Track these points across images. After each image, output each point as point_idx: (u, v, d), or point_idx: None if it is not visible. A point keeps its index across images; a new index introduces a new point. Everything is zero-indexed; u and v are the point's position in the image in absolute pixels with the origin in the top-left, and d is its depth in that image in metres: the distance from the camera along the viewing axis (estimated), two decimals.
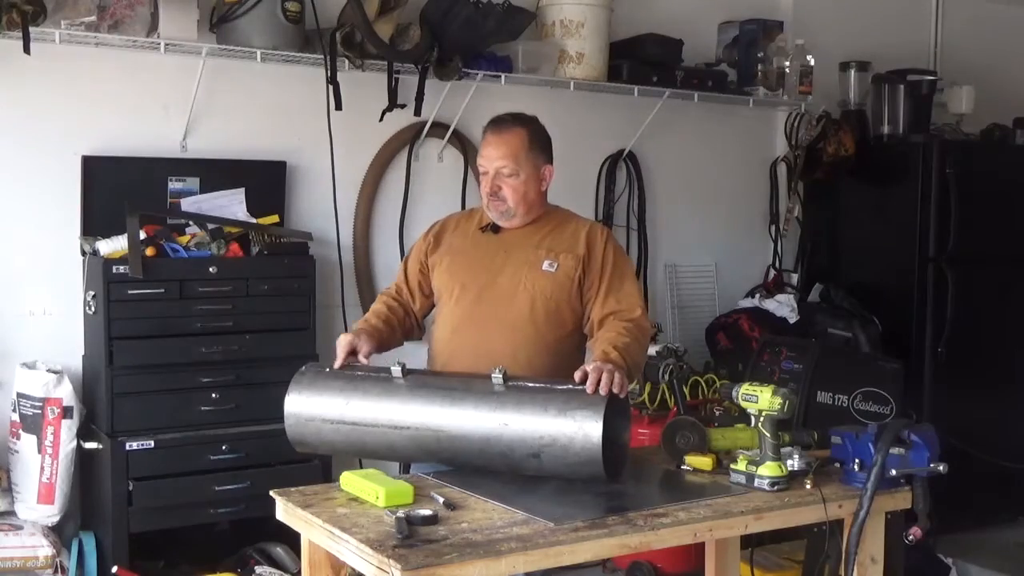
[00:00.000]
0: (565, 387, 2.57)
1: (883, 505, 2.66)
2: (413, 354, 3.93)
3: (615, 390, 2.53)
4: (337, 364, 2.82)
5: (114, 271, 3.63)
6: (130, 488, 3.60)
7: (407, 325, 3.11)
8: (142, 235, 3.69)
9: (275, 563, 3.83)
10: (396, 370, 2.69)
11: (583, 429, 2.46)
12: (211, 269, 3.79)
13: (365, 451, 2.89)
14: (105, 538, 3.68)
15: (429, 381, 2.71)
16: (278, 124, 4.25)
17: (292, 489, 2.57)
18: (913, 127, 5.24)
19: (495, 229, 3.02)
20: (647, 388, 4.32)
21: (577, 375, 2.59)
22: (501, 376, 2.58)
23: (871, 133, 5.29)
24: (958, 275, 4.99)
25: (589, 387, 2.53)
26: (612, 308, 2.91)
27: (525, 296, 2.91)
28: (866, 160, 5.20)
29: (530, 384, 2.61)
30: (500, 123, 3.01)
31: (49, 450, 3.64)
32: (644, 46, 4.76)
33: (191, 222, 3.94)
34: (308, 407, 2.74)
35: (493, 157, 2.95)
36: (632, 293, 2.97)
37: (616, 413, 2.58)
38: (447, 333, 2.99)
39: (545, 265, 2.93)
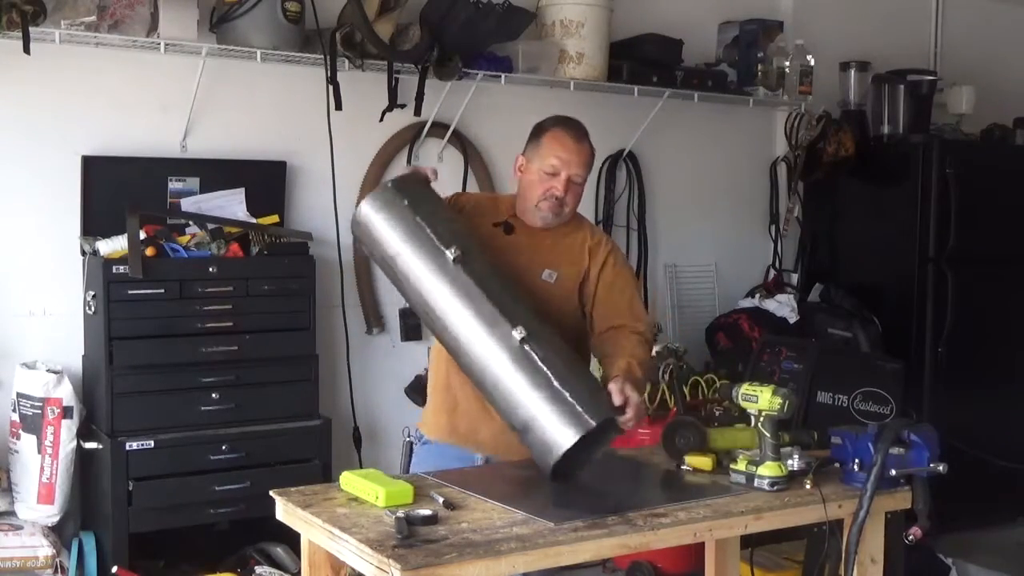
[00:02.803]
0: (564, 390, 2.52)
1: (883, 505, 2.66)
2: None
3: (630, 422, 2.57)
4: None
5: (114, 271, 3.63)
6: (130, 488, 3.60)
7: None
8: (142, 235, 3.69)
9: (275, 563, 3.83)
10: (452, 252, 2.62)
11: (553, 440, 2.49)
12: (211, 269, 3.79)
13: (402, 293, 2.80)
14: (105, 538, 3.68)
15: (468, 284, 2.62)
16: (278, 124, 4.25)
17: (292, 489, 2.56)
18: (913, 127, 5.24)
19: (508, 229, 2.93)
20: (647, 388, 4.32)
21: (616, 399, 2.56)
22: (520, 337, 2.53)
23: (871, 133, 5.29)
24: (958, 275, 4.99)
25: (628, 419, 2.57)
26: (623, 320, 2.88)
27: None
28: (866, 160, 5.20)
29: (540, 364, 2.54)
30: (576, 128, 2.93)
31: (49, 450, 3.65)
32: (644, 46, 4.76)
33: (191, 222, 3.94)
34: (371, 229, 2.70)
35: (574, 163, 2.88)
36: (639, 306, 2.96)
37: (603, 438, 2.61)
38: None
39: (544, 275, 2.88)
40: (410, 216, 2.68)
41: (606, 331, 2.86)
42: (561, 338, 2.67)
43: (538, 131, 2.94)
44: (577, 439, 2.47)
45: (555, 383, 2.52)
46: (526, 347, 2.54)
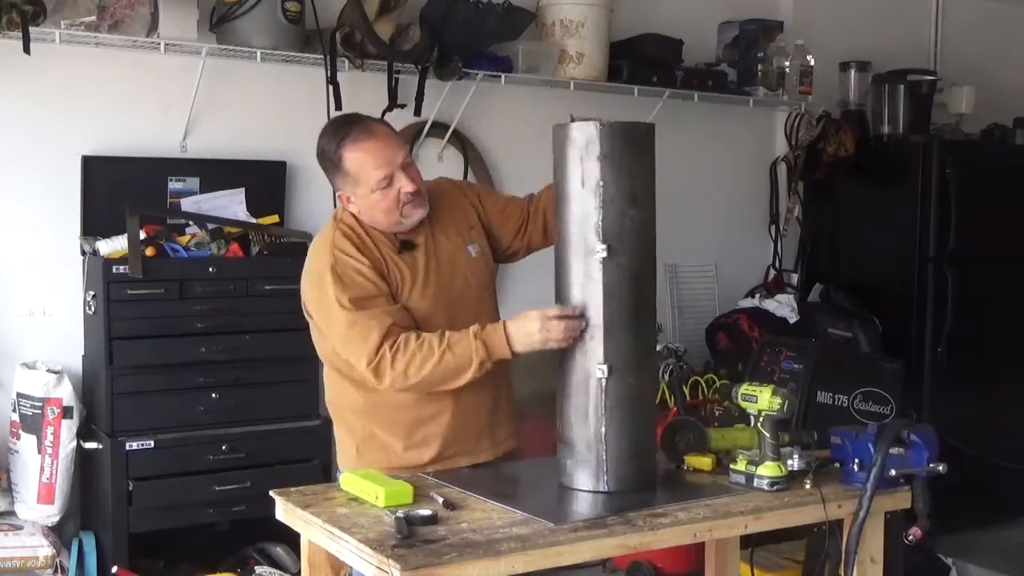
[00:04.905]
0: (605, 443, 2.50)
1: (883, 505, 2.66)
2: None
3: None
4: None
5: (114, 271, 3.63)
6: (130, 488, 3.61)
7: None
8: (142, 235, 3.69)
9: (275, 563, 3.83)
10: (602, 250, 2.42)
11: (569, 473, 2.55)
12: (211, 269, 3.80)
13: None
14: (105, 538, 3.69)
15: (597, 285, 2.45)
16: (278, 124, 4.25)
17: (292, 489, 2.56)
18: (913, 127, 5.24)
19: (408, 246, 2.70)
20: None
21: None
22: (600, 377, 2.48)
23: (871, 133, 5.30)
24: (958, 275, 4.99)
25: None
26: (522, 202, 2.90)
27: (477, 297, 2.81)
28: (866, 160, 5.20)
29: (602, 407, 2.50)
30: (364, 122, 2.69)
31: (49, 450, 3.65)
32: (644, 46, 4.77)
33: (191, 222, 3.94)
34: (563, 152, 2.47)
35: (392, 155, 2.63)
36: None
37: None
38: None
39: (471, 252, 2.80)
40: (597, 174, 2.41)
41: (528, 208, 2.87)
42: (638, 387, 2.57)
43: (335, 161, 2.66)
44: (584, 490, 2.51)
45: (602, 435, 2.50)
46: (601, 383, 2.49)
